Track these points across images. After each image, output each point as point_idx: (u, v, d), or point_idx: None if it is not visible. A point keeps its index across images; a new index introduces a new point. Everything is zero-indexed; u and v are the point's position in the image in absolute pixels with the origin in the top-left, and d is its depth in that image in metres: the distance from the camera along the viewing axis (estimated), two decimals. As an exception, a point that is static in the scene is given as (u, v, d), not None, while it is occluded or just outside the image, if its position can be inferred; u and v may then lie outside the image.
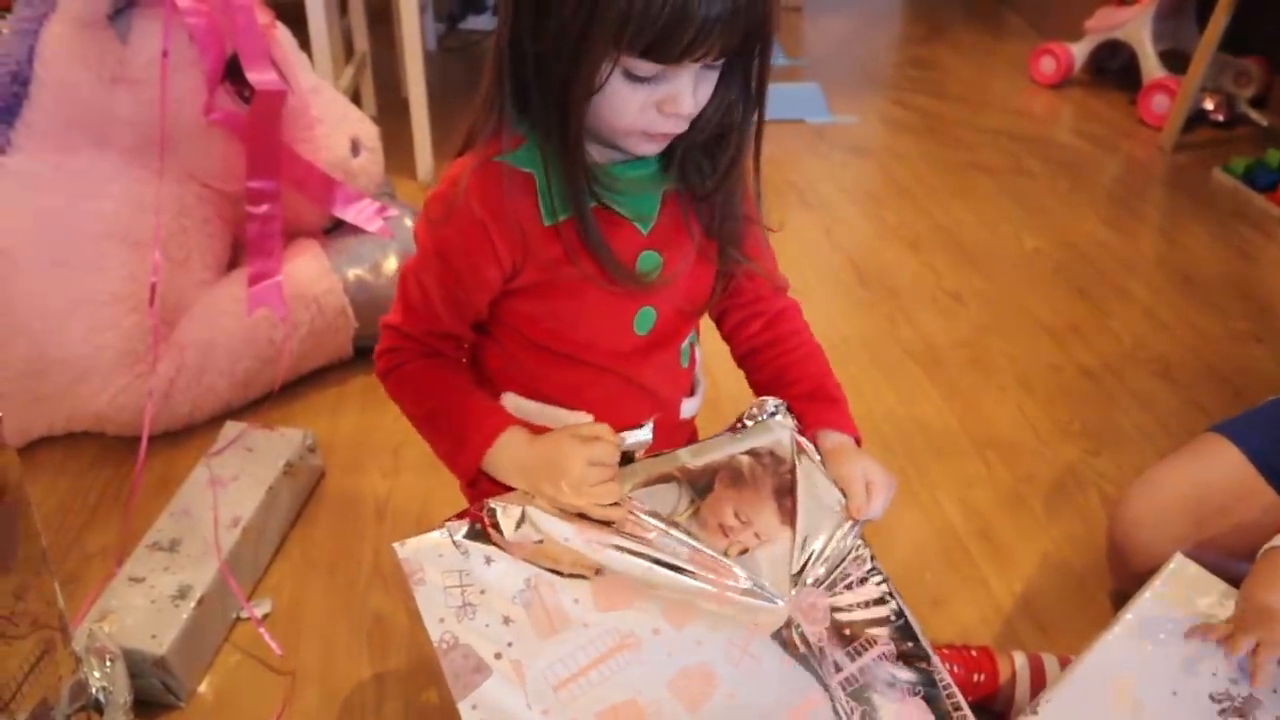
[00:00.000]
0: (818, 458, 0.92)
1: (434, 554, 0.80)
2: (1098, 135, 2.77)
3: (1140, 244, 2.24)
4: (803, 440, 0.93)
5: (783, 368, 0.99)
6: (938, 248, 2.17)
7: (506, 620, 0.78)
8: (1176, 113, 2.64)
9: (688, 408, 1.01)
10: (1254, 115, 2.77)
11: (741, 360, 1.03)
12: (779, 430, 0.93)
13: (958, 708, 0.84)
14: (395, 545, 0.81)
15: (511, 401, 0.95)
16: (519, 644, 0.77)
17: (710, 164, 0.88)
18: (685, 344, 0.98)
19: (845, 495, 0.90)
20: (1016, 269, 2.11)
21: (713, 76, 0.80)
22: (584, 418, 0.93)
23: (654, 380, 0.96)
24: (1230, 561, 1.10)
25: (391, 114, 2.48)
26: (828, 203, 2.31)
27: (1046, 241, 2.21)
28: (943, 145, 2.69)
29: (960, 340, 1.85)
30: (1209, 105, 2.76)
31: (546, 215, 0.83)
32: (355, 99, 2.48)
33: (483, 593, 0.79)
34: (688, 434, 1.04)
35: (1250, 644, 0.94)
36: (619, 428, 0.92)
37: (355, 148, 1.68)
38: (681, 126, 0.81)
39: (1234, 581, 1.04)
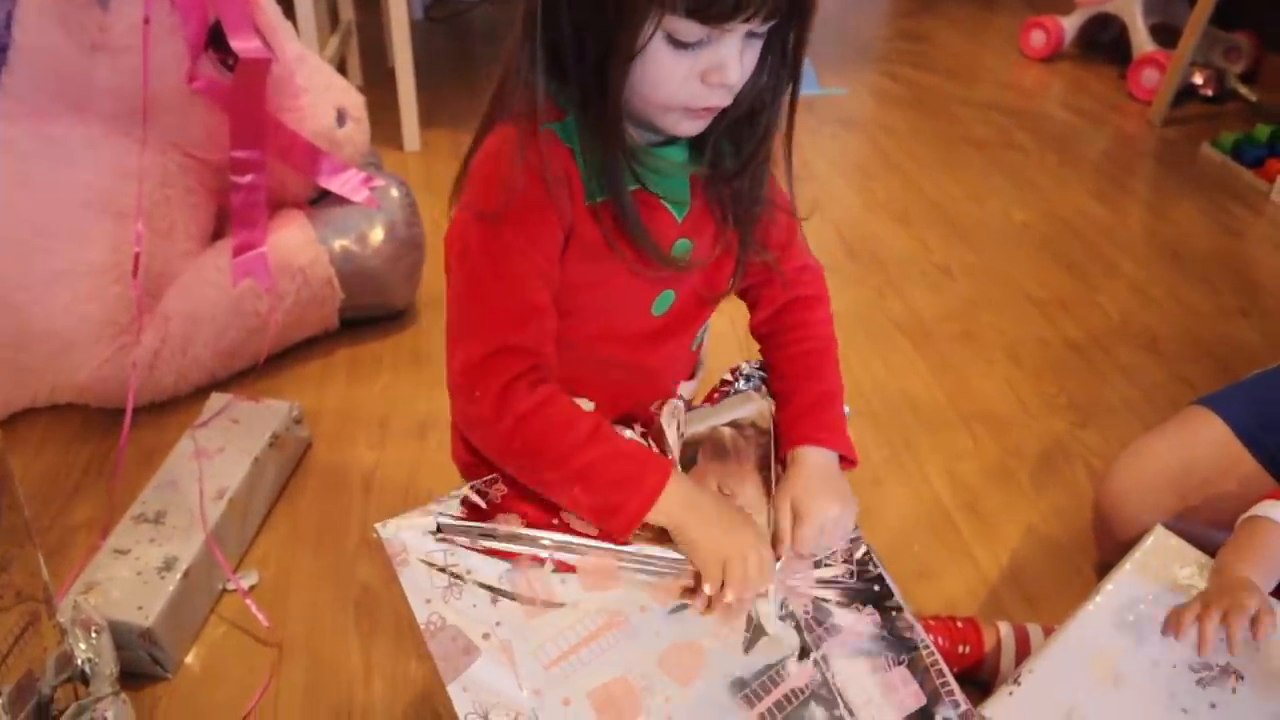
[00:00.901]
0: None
1: (417, 534, 0.79)
2: (1087, 109, 2.77)
3: (1128, 218, 2.24)
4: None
5: (774, 362, 0.96)
6: (927, 221, 2.17)
7: (494, 600, 0.78)
8: (1166, 87, 2.64)
9: (685, 390, 0.99)
10: (1243, 90, 2.77)
11: (759, 341, 0.99)
12: (759, 399, 0.93)
13: (940, 675, 0.84)
14: (377, 526, 0.79)
15: None
16: (507, 624, 0.77)
17: (736, 146, 0.84)
18: (700, 328, 0.95)
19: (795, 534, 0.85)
20: (1005, 243, 2.11)
21: (757, 46, 0.76)
22: (585, 404, 0.88)
23: (662, 365, 0.93)
24: (1213, 532, 1.10)
25: (378, 84, 2.46)
26: (817, 176, 2.30)
27: (1035, 215, 2.21)
28: (932, 119, 2.68)
29: (949, 314, 1.85)
30: (1198, 80, 2.76)
31: (588, 194, 0.79)
32: (341, 69, 2.46)
33: (468, 572, 0.78)
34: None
35: (1216, 623, 0.94)
36: (619, 413, 0.90)
37: (341, 117, 1.66)
38: (726, 100, 0.77)
39: (1216, 552, 1.05)
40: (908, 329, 1.80)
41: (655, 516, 0.78)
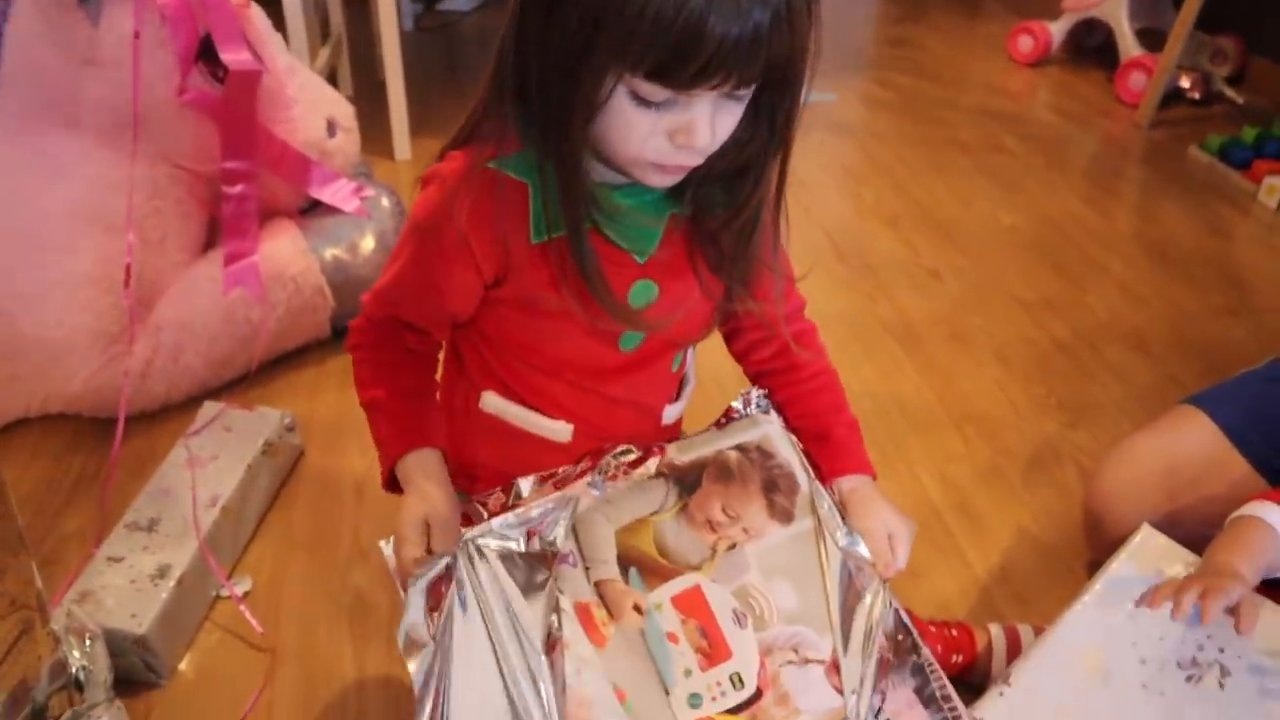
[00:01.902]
0: (840, 527, 0.90)
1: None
2: (1075, 113, 2.79)
3: (1116, 220, 2.25)
4: (819, 504, 0.91)
5: (792, 399, 0.96)
6: (916, 225, 2.18)
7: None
8: (1153, 91, 2.65)
9: (670, 414, 0.98)
10: (1229, 93, 2.79)
11: (753, 380, 0.99)
12: (765, 424, 0.93)
13: (947, 699, 0.84)
14: (381, 544, 0.80)
15: (492, 401, 0.92)
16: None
17: (724, 199, 0.81)
18: (678, 353, 0.95)
19: (871, 552, 0.89)
20: (994, 246, 2.12)
21: (736, 108, 0.72)
22: (563, 427, 0.91)
23: (638, 393, 0.93)
24: (1202, 531, 1.11)
25: (368, 95, 2.46)
26: (806, 181, 2.31)
27: (1023, 218, 2.23)
28: (921, 123, 2.69)
29: (938, 316, 1.86)
30: (1185, 83, 2.78)
31: (535, 232, 0.78)
32: (331, 80, 2.46)
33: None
34: (673, 434, 1.01)
35: (1194, 597, 0.95)
36: (599, 436, 0.91)
37: (331, 128, 1.67)
38: (695, 160, 0.74)
39: (1204, 551, 1.06)
40: (897, 332, 1.81)
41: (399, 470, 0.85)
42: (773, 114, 0.76)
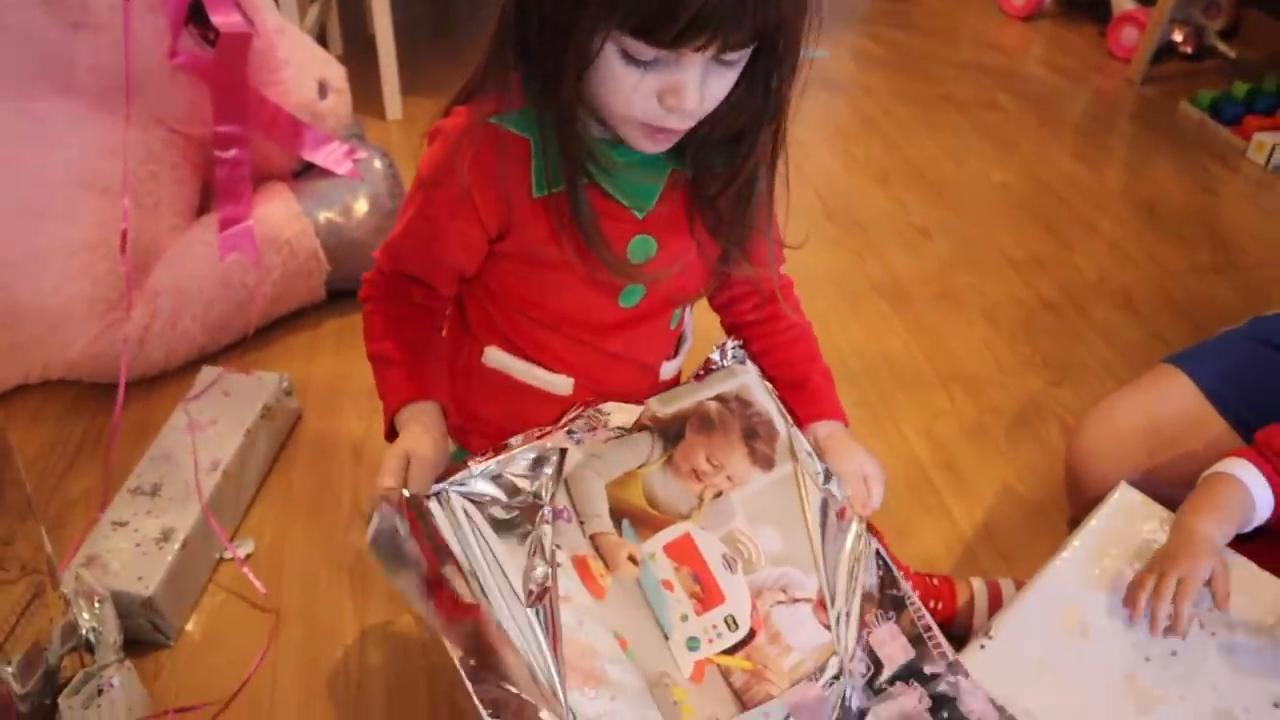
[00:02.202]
0: (819, 468, 0.94)
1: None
2: (1067, 68, 2.78)
3: (1106, 177, 2.26)
4: (797, 448, 0.94)
5: (769, 348, 1.00)
6: (906, 183, 2.19)
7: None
8: (1145, 45, 2.65)
9: (668, 369, 1.02)
10: (1222, 47, 2.78)
11: (730, 331, 1.02)
12: (742, 374, 0.96)
13: (927, 629, 0.88)
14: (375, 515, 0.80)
15: (495, 356, 0.95)
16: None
17: (721, 164, 0.83)
18: (677, 310, 0.98)
19: (848, 491, 0.94)
20: (984, 203, 2.13)
21: (728, 73, 0.74)
22: (564, 381, 0.94)
23: (638, 348, 0.96)
24: (1180, 489, 1.14)
25: (358, 53, 2.45)
26: (796, 138, 2.28)
27: (1014, 176, 2.24)
28: (912, 79, 2.69)
29: (927, 275, 1.88)
30: (1178, 37, 2.78)
31: (537, 185, 0.80)
32: (321, 39, 2.45)
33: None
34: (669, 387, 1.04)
35: (1167, 607, 0.98)
36: (599, 391, 0.93)
37: (323, 90, 1.67)
38: (684, 124, 0.76)
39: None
40: (886, 290, 1.83)
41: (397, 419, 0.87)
42: (767, 81, 0.77)
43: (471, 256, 0.88)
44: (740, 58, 0.73)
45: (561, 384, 0.95)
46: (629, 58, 0.71)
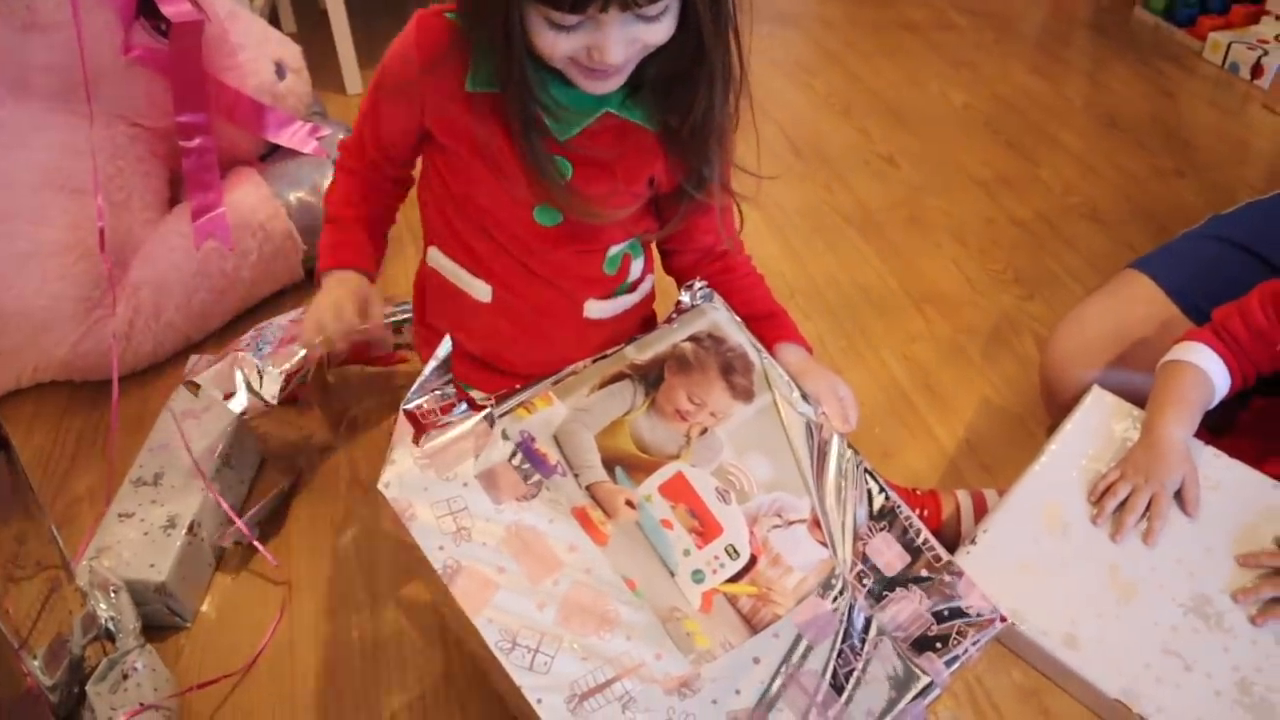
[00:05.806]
0: (793, 390, 0.97)
1: (419, 488, 0.82)
2: (1021, -19, 2.78)
3: (1066, 90, 2.28)
4: (773, 377, 0.97)
5: (727, 292, 1.03)
6: (869, 112, 2.21)
7: (501, 543, 0.82)
8: (1096, -48, 2.65)
9: (594, 309, 1.06)
10: (1172, -53, 2.78)
11: (681, 282, 1.07)
12: (712, 312, 0.99)
13: (919, 533, 0.92)
14: (381, 487, 0.82)
15: (434, 255, 1.04)
16: (511, 570, 0.82)
17: (671, 104, 0.89)
18: (614, 252, 1.02)
19: (827, 411, 0.96)
20: (947, 126, 2.15)
21: (653, 25, 0.78)
22: (483, 286, 1.01)
23: (559, 275, 1.01)
24: (1150, 381, 1.17)
25: (312, 30, 2.44)
26: (757, 76, 2.28)
27: (975, 96, 2.25)
28: (869, 6, 2.69)
29: (895, 201, 1.90)
30: (1128, -59, 2.77)
31: (472, 81, 0.88)
32: (273, 19, 2.44)
33: (473, 517, 0.82)
34: (604, 335, 1.07)
35: (1135, 519, 1.03)
36: (518, 306, 1.01)
37: (280, 70, 1.67)
38: (617, 75, 0.82)
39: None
40: (856, 221, 1.85)
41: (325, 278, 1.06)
42: (699, 24, 0.82)
43: (405, 135, 0.98)
44: (662, 7, 0.77)
45: (480, 289, 1.02)
46: (552, 23, 0.77)
